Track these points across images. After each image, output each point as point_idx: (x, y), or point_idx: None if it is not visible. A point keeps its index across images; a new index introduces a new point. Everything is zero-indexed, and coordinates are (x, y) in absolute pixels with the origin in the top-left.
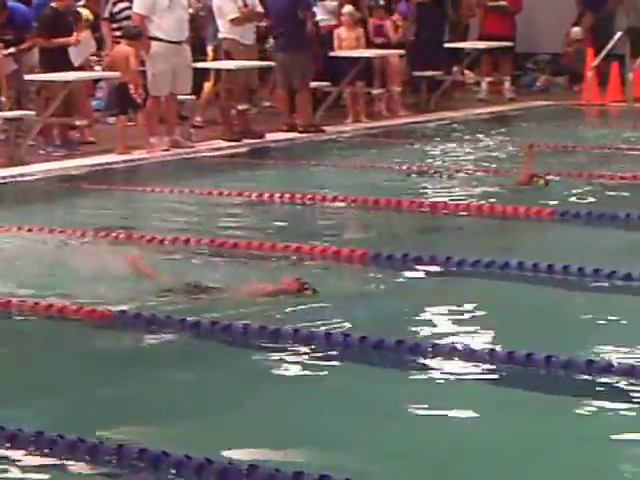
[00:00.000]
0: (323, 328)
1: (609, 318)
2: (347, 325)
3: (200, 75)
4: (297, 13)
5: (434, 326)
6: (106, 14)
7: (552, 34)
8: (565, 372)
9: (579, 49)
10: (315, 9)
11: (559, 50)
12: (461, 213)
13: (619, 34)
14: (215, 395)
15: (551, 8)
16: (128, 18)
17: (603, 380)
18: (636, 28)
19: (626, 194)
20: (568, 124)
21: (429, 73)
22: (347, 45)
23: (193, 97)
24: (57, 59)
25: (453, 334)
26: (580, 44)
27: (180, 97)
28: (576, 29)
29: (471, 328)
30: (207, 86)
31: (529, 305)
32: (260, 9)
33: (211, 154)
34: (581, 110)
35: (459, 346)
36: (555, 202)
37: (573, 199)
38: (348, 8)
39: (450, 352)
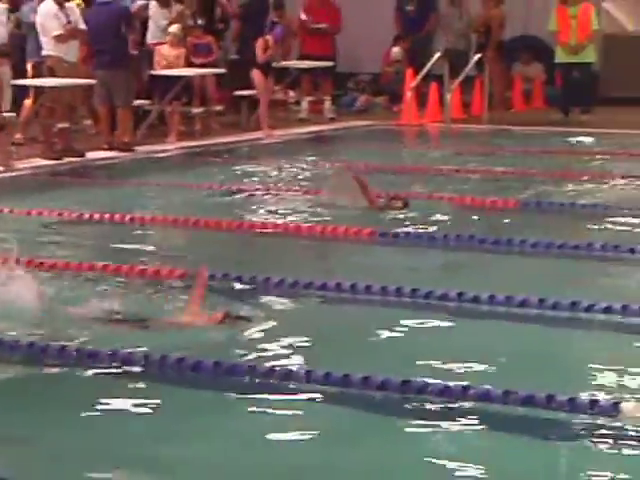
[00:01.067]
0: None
1: (423, 336)
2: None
3: (20, 92)
4: (119, 30)
5: (252, 347)
6: None
7: (372, 54)
8: (381, 393)
9: (399, 69)
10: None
11: (379, 70)
12: (280, 233)
13: (437, 55)
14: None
15: (370, 29)
16: None
17: (420, 401)
18: (454, 49)
19: (444, 215)
20: (387, 144)
21: (250, 92)
22: (168, 63)
23: (13, 114)
24: None
25: (272, 357)
26: (400, 64)
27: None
28: (396, 49)
29: (286, 351)
30: (27, 103)
31: (345, 325)
32: (83, 26)
33: (31, 172)
34: (400, 130)
35: (278, 368)
36: (376, 223)
37: (393, 219)
38: (174, 27)
39: (267, 373)
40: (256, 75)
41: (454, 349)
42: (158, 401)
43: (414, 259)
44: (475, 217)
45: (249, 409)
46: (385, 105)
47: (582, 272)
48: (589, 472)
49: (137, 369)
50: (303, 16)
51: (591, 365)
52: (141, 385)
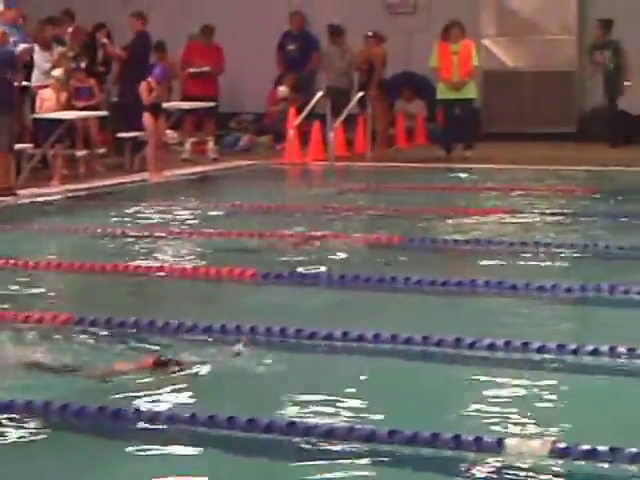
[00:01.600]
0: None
1: (306, 376)
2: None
3: None
4: (4, 75)
5: (136, 392)
6: None
7: (254, 94)
8: (266, 435)
9: (285, 108)
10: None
11: (262, 110)
12: (166, 275)
13: (320, 94)
14: None
15: (252, 68)
16: None
17: (305, 442)
18: (336, 88)
19: (330, 254)
20: (270, 183)
21: (132, 134)
22: (50, 107)
23: None
24: None
25: (156, 401)
26: (286, 103)
27: None
28: (283, 88)
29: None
30: None
31: (229, 367)
32: None
33: None
34: (283, 169)
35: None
36: (260, 262)
37: (277, 259)
38: (57, 71)
39: (153, 417)
40: (145, 117)
41: (339, 389)
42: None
43: (298, 299)
44: (361, 255)
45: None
46: (269, 144)
47: (466, 308)
48: None
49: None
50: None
51: (475, 402)
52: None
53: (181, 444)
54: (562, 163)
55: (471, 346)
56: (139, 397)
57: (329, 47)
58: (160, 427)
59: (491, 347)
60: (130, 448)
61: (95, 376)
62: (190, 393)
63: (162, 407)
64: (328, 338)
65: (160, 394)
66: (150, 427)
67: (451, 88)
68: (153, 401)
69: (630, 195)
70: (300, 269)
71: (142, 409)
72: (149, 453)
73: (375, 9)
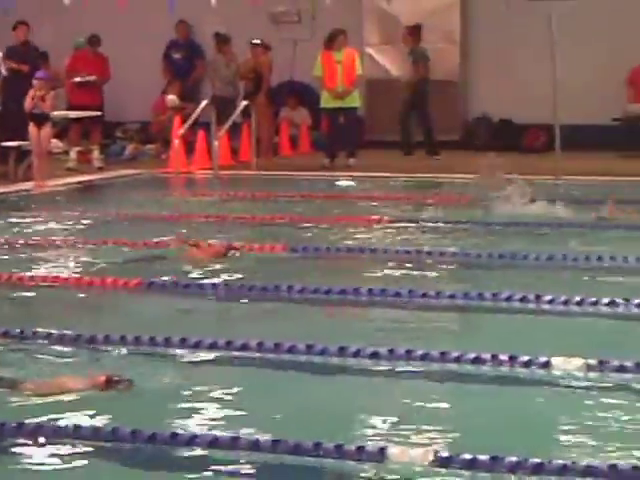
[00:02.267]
0: None
1: (200, 386)
2: None
3: None
4: None
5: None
6: None
7: (140, 103)
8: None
9: (172, 117)
10: None
11: (148, 118)
12: (50, 285)
13: (205, 102)
14: None
15: (138, 77)
16: None
17: (187, 453)
18: (221, 96)
19: (214, 263)
20: (155, 192)
21: (16, 143)
22: None
23: None
24: None
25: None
26: (173, 112)
27: None
28: (172, 97)
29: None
30: None
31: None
32: None
33: None
34: (168, 178)
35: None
36: (145, 271)
37: (162, 268)
38: None
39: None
40: (30, 127)
41: (223, 398)
42: None
43: (183, 308)
44: (246, 263)
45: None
46: (156, 153)
47: (350, 317)
48: None
49: None
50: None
51: (358, 411)
52: None
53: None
54: (445, 171)
55: (355, 355)
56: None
57: (215, 55)
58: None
59: (374, 356)
60: None
61: (39, 393)
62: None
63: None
64: (212, 347)
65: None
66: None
67: (335, 97)
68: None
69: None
70: (186, 278)
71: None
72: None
73: (260, 18)
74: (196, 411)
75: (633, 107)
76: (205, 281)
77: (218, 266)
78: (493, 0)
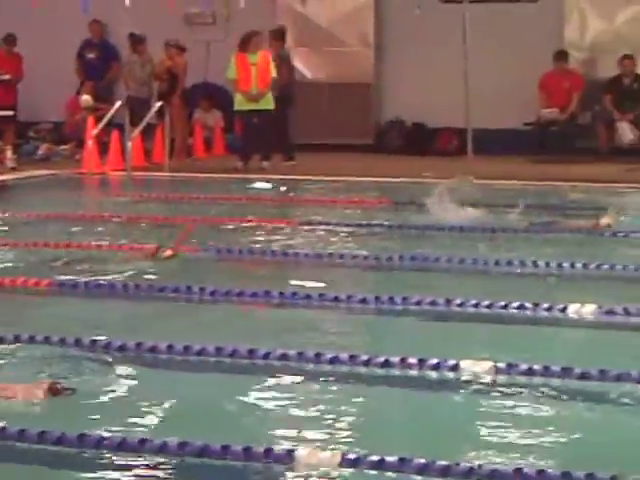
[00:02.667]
0: None
1: (103, 388)
2: None
3: None
4: None
5: None
6: None
7: (54, 103)
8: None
9: (85, 117)
10: None
11: (62, 118)
12: None
13: (119, 103)
14: None
15: (51, 77)
16: None
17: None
18: (136, 97)
19: (126, 264)
20: (68, 193)
21: None
22: None
23: None
24: None
25: None
26: (87, 112)
27: None
28: (86, 97)
29: None
30: None
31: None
32: None
33: None
34: (82, 179)
35: None
36: (57, 272)
37: (74, 269)
38: None
39: None
40: None
41: (131, 401)
42: None
43: (95, 309)
44: (158, 265)
45: None
46: (70, 154)
47: (261, 319)
48: None
49: None
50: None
51: (266, 413)
52: None
53: None
54: (359, 174)
55: (265, 357)
56: None
57: (130, 56)
58: None
59: (284, 357)
60: None
61: None
62: None
63: None
64: (121, 349)
65: None
66: None
67: (249, 99)
68: None
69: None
70: (98, 278)
71: None
72: None
73: (174, 20)
74: (103, 413)
75: (544, 112)
76: (117, 282)
77: (129, 267)
78: (407, 3)
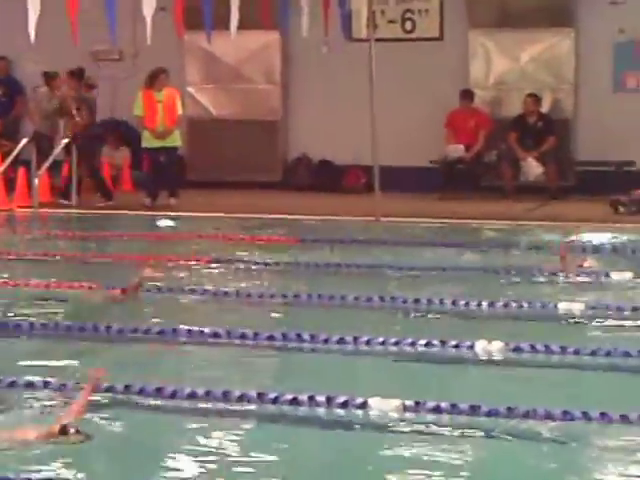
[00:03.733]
0: None
1: None
2: None
3: None
4: None
5: None
6: None
7: None
8: None
9: None
10: None
11: None
12: None
13: (25, 140)
14: None
15: None
16: None
17: None
18: (41, 134)
19: (34, 300)
20: None
21: None
22: None
23: None
24: None
25: None
26: None
27: None
28: None
29: None
30: None
31: None
32: None
33: None
34: None
35: None
36: None
37: None
38: None
39: None
40: None
41: None
42: None
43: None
44: (67, 303)
45: None
46: None
47: (166, 357)
48: None
49: None
50: None
51: (172, 453)
52: None
53: None
54: (267, 212)
55: (172, 396)
56: None
57: (37, 89)
58: None
59: (192, 396)
60: None
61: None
62: None
63: None
64: (29, 386)
65: None
66: None
67: (156, 137)
68: None
69: (334, 244)
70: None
71: None
72: None
73: (81, 55)
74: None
75: (450, 149)
76: (23, 321)
77: (37, 304)
78: (314, 41)
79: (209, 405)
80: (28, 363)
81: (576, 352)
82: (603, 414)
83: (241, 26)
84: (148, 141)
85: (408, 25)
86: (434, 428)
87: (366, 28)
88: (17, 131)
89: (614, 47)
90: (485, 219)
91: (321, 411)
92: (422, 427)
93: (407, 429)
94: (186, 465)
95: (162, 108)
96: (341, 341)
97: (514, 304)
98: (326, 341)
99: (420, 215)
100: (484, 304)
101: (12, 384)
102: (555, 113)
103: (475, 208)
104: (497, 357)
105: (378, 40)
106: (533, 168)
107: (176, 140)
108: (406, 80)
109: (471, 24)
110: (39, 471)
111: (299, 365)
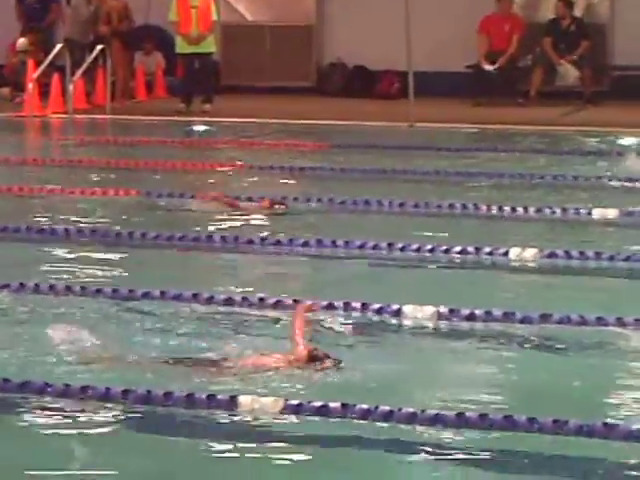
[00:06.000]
0: None
1: None
2: None
3: None
4: None
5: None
6: None
7: None
8: None
9: (24, 60)
10: None
11: (2, 61)
12: None
13: (59, 46)
14: None
15: None
16: None
17: None
18: (75, 40)
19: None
20: (9, 136)
21: None
22: None
23: None
24: None
25: None
26: (25, 55)
27: None
28: (22, 40)
29: None
30: None
31: None
32: None
33: None
34: (23, 122)
35: None
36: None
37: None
38: None
39: None
40: None
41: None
42: None
43: (37, 253)
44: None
45: None
46: (9, 97)
47: (200, 263)
48: None
49: None
50: None
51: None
52: None
53: None
54: (301, 117)
55: (208, 301)
56: None
57: None
58: None
59: (228, 302)
60: None
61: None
62: None
63: None
64: (52, 289)
65: None
66: None
67: (190, 42)
68: None
69: (364, 149)
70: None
71: None
72: None
73: None
74: None
75: (485, 66)
76: (57, 226)
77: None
78: None
79: (260, 311)
80: None
81: (611, 258)
82: (637, 320)
83: None
84: (182, 47)
85: None
86: (467, 335)
87: None
88: (52, 38)
89: None
90: (519, 124)
91: (356, 315)
92: (456, 334)
93: (440, 336)
94: (224, 370)
95: (197, 13)
96: (376, 247)
97: (548, 210)
98: (361, 247)
99: (454, 121)
100: (519, 209)
101: None
102: (591, 17)
103: (509, 113)
104: (531, 264)
105: None
106: (570, 71)
107: (210, 46)
108: None
109: None
110: None
111: (333, 272)
